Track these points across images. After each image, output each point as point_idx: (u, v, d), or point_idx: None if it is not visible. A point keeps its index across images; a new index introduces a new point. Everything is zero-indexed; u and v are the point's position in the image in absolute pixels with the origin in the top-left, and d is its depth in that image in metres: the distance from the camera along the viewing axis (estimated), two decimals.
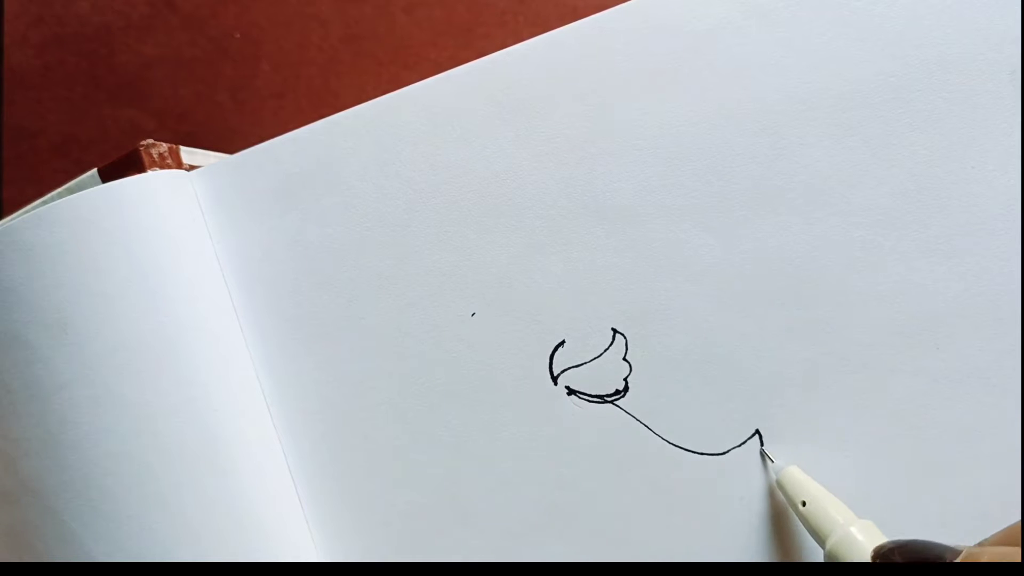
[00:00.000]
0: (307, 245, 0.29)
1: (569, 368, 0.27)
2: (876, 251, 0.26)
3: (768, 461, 0.26)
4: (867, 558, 0.21)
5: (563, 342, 0.27)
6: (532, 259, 0.27)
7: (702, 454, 0.27)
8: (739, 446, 0.26)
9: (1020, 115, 0.25)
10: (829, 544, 0.23)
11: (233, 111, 0.42)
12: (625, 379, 0.27)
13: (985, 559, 0.16)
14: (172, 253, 0.28)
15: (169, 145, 0.31)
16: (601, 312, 0.27)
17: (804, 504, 0.24)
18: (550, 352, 0.27)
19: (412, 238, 0.28)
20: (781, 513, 0.26)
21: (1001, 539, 0.17)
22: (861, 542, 0.22)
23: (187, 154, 0.31)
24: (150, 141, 0.30)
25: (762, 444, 0.26)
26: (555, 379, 0.27)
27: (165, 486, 0.27)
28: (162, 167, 0.30)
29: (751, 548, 0.26)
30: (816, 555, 0.25)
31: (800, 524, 0.24)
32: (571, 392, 0.27)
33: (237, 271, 0.29)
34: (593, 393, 0.27)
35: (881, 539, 0.22)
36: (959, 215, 0.25)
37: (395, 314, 0.28)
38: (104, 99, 0.43)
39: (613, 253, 0.27)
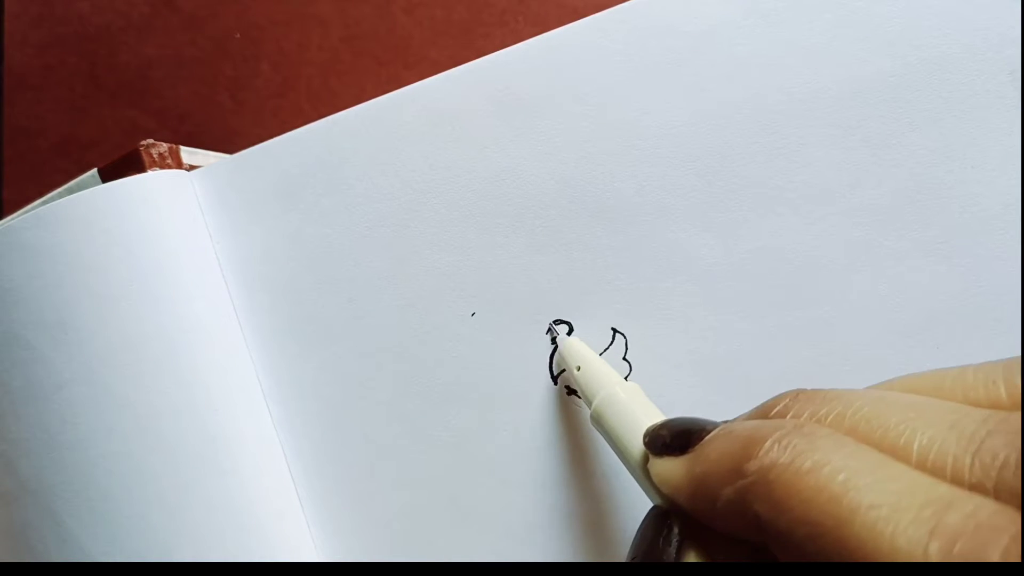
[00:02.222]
0: (307, 245, 0.29)
1: None
2: (876, 251, 0.26)
3: (554, 333, 0.27)
4: (632, 419, 0.21)
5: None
6: (532, 259, 0.27)
7: None
8: None
9: (1020, 115, 0.25)
10: (595, 403, 0.23)
11: (233, 111, 0.42)
12: (625, 379, 0.27)
13: (738, 428, 0.17)
14: (172, 253, 0.28)
15: (169, 145, 0.31)
16: (601, 312, 0.27)
17: (579, 369, 0.25)
18: (550, 352, 0.27)
19: (412, 238, 0.28)
20: None
21: (756, 414, 0.18)
22: (625, 401, 0.22)
23: (187, 154, 0.31)
24: (150, 141, 0.30)
25: None
26: (555, 379, 0.27)
27: (165, 486, 0.27)
28: (162, 167, 0.30)
29: None
30: None
31: None
32: (571, 392, 0.27)
33: (237, 271, 0.29)
34: None
35: (646, 401, 0.22)
36: (959, 215, 0.25)
37: (395, 314, 0.28)
38: (104, 99, 0.43)
39: (613, 253, 0.27)
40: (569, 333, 0.27)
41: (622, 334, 0.27)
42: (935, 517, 0.12)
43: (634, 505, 0.27)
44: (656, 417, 0.21)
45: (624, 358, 0.27)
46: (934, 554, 0.12)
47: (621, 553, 0.27)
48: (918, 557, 0.12)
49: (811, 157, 0.26)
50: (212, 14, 0.42)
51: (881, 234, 0.26)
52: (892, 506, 0.13)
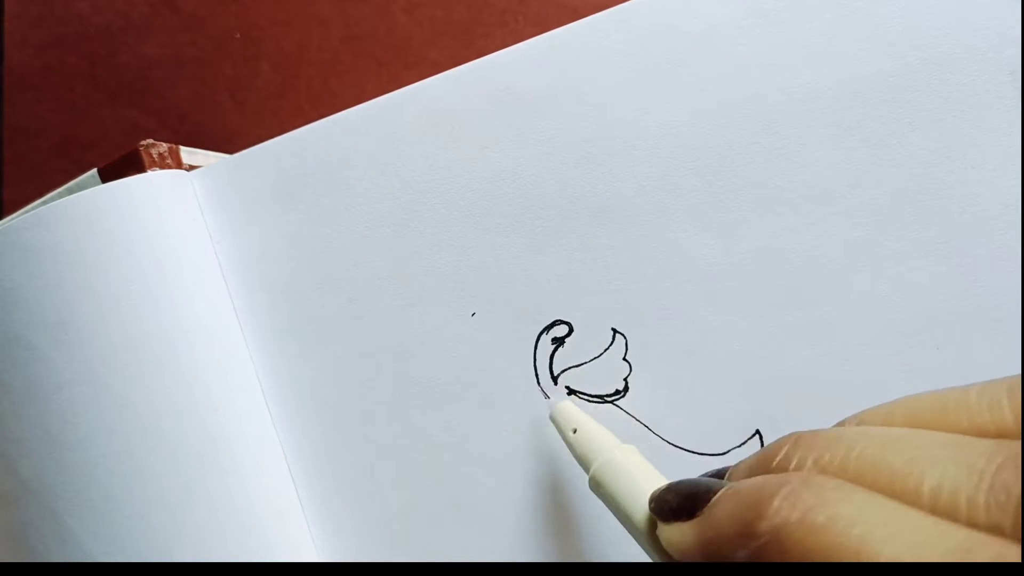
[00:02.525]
0: (307, 245, 0.29)
1: (569, 368, 0.27)
2: (876, 251, 0.26)
3: (544, 397, 0.27)
4: (634, 484, 0.21)
5: (562, 341, 0.27)
6: (532, 259, 0.27)
7: (702, 454, 0.27)
8: (739, 446, 0.26)
9: (1020, 115, 0.25)
10: (593, 469, 0.23)
11: (233, 111, 0.42)
12: (625, 379, 0.27)
13: (744, 488, 0.16)
14: (172, 253, 0.28)
15: (169, 145, 0.31)
16: (601, 312, 0.27)
17: (575, 431, 0.25)
18: (550, 352, 0.27)
19: (412, 238, 0.28)
20: None
21: (757, 463, 0.17)
22: (623, 464, 0.22)
23: (187, 154, 0.31)
24: (150, 141, 0.30)
25: (762, 444, 0.26)
26: (555, 379, 0.27)
27: (165, 486, 0.27)
28: (162, 167, 0.30)
29: None
30: None
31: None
32: (571, 392, 0.27)
33: (237, 271, 0.29)
34: (593, 393, 0.27)
35: (645, 464, 0.22)
36: (959, 215, 0.25)
37: (395, 314, 0.28)
38: (104, 99, 0.43)
39: (613, 253, 0.27)
40: (569, 333, 0.27)
41: (622, 334, 0.27)
42: None
43: None
44: (656, 480, 0.21)
45: (624, 358, 0.27)
46: None
47: (621, 553, 0.27)
48: None
49: (811, 157, 0.26)
50: (212, 14, 0.42)
51: (881, 234, 0.26)
52: (913, 558, 0.12)
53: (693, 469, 0.27)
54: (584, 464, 0.24)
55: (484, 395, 0.28)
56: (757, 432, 0.26)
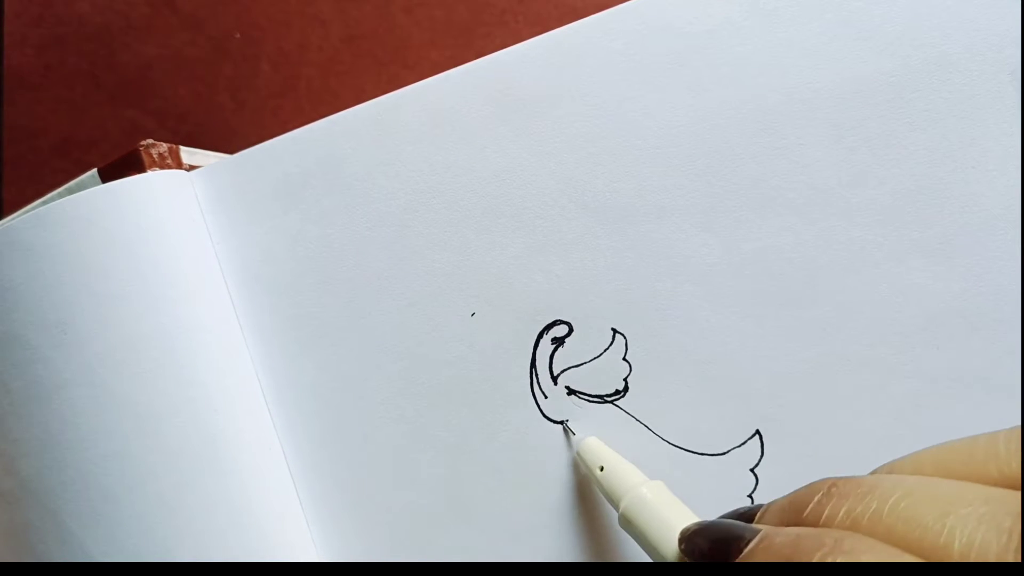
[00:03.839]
0: (307, 245, 0.29)
1: (569, 368, 0.27)
2: (876, 251, 0.26)
3: (570, 435, 0.27)
4: (662, 521, 0.21)
5: (562, 341, 0.27)
6: (532, 259, 0.27)
7: (702, 454, 0.27)
8: (739, 446, 0.26)
9: (1020, 115, 0.25)
10: (622, 506, 0.23)
11: (233, 111, 0.42)
12: (625, 379, 0.27)
13: (779, 541, 0.16)
14: (172, 253, 0.28)
15: (169, 145, 0.31)
16: (601, 312, 0.27)
17: (602, 469, 0.25)
18: (550, 352, 0.27)
19: (412, 238, 0.28)
20: None
21: (790, 507, 0.17)
22: (651, 501, 0.22)
23: (187, 154, 0.31)
24: (150, 141, 0.30)
25: (762, 444, 0.26)
26: (555, 379, 0.27)
27: (165, 486, 0.27)
28: (162, 167, 0.30)
29: None
30: None
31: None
32: (571, 392, 0.27)
33: (237, 271, 0.29)
34: (593, 393, 0.27)
35: (673, 499, 0.22)
36: (959, 215, 0.25)
37: (395, 314, 0.28)
38: (104, 99, 0.43)
39: (613, 253, 0.27)
40: (569, 333, 0.27)
41: (622, 334, 0.27)
42: None
43: None
44: (685, 516, 0.21)
45: (624, 358, 0.27)
46: None
47: (621, 553, 0.27)
48: None
49: (811, 157, 0.26)
50: (212, 14, 0.42)
51: (881, 234, 0.26)
52: None
53: (693, 468, 0.27)
54: (613, 501, 0.24)
55: (484, 395, 0.28)
56: (757, 432, 0.26)
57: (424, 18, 0.40)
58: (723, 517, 0.20)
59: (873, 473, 0.18)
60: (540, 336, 0.27)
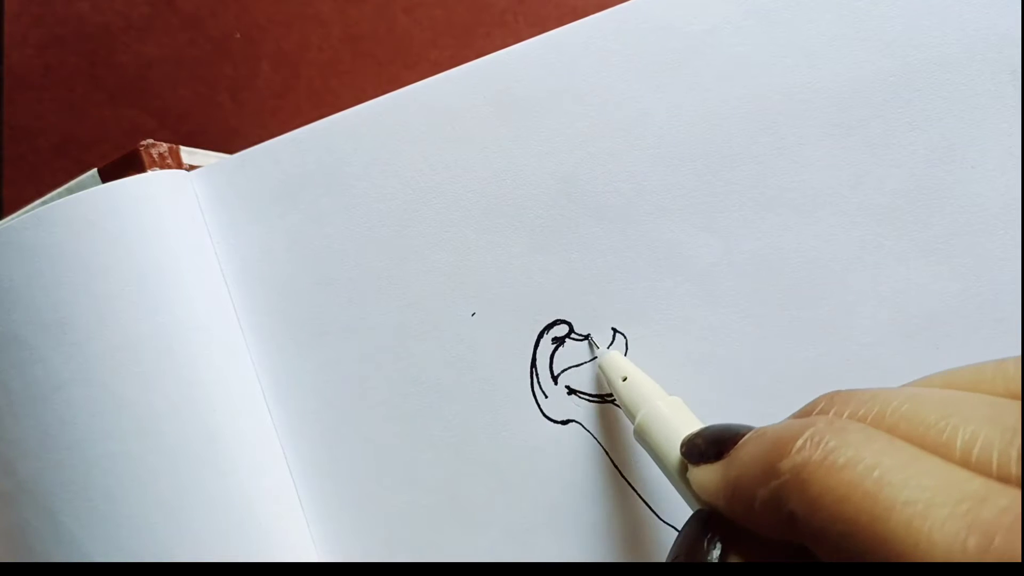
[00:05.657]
0: (307, 245, 0.29)
1: (569, 368, 0.27)
2: (876, 251, 0.26)
3: (594, 348, 0.27)
4: (672, 431, 0.21)
5: (563, 341, 0.27)
6: (532, 259, 0.27)
7: None
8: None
9: (1020, 115, 0.25)
10: (638, 418, 0.23)
11: (233, 111, 0.42)
12: (625, 379, 0.27)
13: (771, 431, 0.16)
14: (172, 253, 0.28)
15: (169, 145, 0.31)
16: (601, 312, 0.27)
17: (625, 380, 0.25)
18: (550, 352, 0.27)
19: (412, 238, 0.28)
20: None
21: (793, 417, 0.17)
22: (667, 415, 0.22)
23: (187, 154, 0.31)
24: (150, 141, 0.30)
25: None
26: (555, 379, 0.27)
27: (165, 486, 0.27)
28: (162, 167, 0.30)
29: None
30: None
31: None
32: (571, 392, 0.27)
33: (237, 271, 0.29)
34: (593, 393, 0.27)
35: (687, 414, 0.22)
36: (959, 215, 0.25)
37: (395, 314, 0.28)
38: (104, 99, 0.43)
39: (613, 253, 0.27)
40: (569, 333, 0.27)
41: (622, 334, 0.27)
42: (972, 513, 0.12)
43: (634, 505, 0.27)
44: (696, 428, 0.21)
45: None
46: (972, 549, 0.12)
47: (621, 553, 0.27)
48: (956, 553, 0.12)
49: (811, 157, 0.26)
50: (212, 14, 0.42)
51: (881, 234, 0.26)
52: (927, 502, 0.12)
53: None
54: (630, 413, 0.24)
55: (484, 395, 0.28)
56: None
57: (424, 18, 0.40)
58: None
59: None
60: (540, 336, 0.27)
